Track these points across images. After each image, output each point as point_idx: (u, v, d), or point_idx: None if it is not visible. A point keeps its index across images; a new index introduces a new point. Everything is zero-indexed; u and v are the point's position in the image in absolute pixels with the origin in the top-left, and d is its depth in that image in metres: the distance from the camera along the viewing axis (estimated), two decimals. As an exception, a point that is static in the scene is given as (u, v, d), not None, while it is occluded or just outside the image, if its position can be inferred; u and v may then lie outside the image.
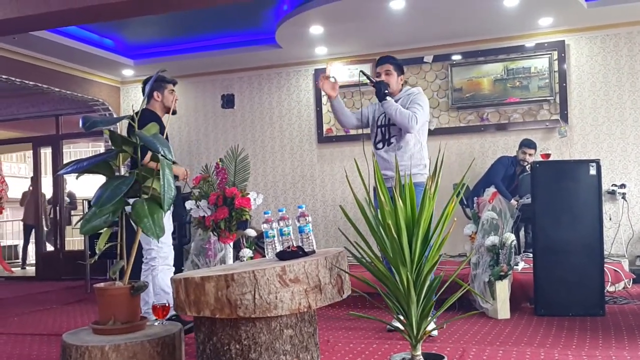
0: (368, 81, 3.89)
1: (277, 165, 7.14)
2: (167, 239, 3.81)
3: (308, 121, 7.04)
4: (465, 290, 2.40)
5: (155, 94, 4.05)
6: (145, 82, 4.10)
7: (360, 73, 3.92)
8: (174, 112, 4.12)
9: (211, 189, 5.32)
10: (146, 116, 3.68)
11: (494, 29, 6.00)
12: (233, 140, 6.98)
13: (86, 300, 5.76)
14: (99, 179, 2.67)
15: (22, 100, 8.31)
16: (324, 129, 6.94)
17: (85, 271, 6.57)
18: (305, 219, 2.64)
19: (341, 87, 6.75)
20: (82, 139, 9.13)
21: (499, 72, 6.29)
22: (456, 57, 6.45)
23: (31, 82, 6.50)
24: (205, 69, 7.17)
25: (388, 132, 3.86)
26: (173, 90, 4.13)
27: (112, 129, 5.79)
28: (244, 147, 6.12)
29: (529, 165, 5.43)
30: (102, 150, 9.86)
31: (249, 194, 5.28)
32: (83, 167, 2.59)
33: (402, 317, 2.30)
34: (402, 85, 3.98)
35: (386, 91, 3.80)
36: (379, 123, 3.95)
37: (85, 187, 7.89)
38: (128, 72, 7.29)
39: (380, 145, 3.91)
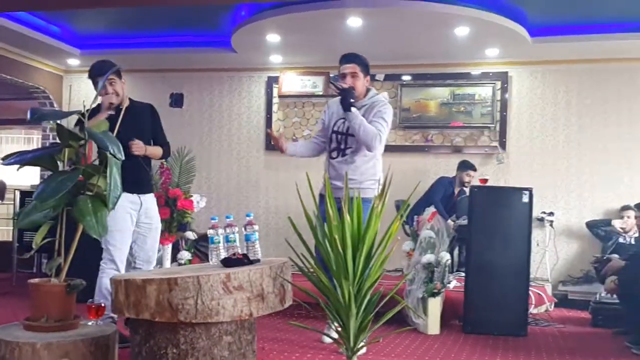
0: (334, 88, 3.61)
1: (223, 169, 7.08)
2: (115, 241, 3.52)
3: (257, 127, 7.02)
4: (395, 300, 2.46)
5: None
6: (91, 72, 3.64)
7: (331, 82, 3.71)
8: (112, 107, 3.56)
9: (155, 189, 5.23)
10: (94, 112, 3.48)
11: (444, 54, 6.18)
12: (180, 141, 6.81)
13: (11, 293, 5.52)
14: (35, 169, 2.59)
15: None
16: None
17: (12, 263, 6.30)
18: (253, 228, 2.64)
19: (292, 96, 6.83)
20: (16, 126, 8.76)
21: (446, 96, 6.48)
22: (406, 78, 6.59)
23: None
24: (155, 65, 7.04)
25: (345, 141, 3.64)
26: (111, 80, 3.60)
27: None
28: (190, 149, 6.04)
29: (468, 187, 5.65)
30: (36, 138, 9.49)
31: (192, 196, 5.22)
32: (27, 159, 2.51)
33: (340, 329, 2.33)
34: (368, 87, 3.71)
35: (352, 100, 3.53)
36: (335, 128, 3.69)
37: (16, 176, 7.57)
38: (73, 62, 7.06)
39: (334, 154, 3.68)
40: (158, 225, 3.76)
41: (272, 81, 6.94)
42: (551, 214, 6.14)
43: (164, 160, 5.44)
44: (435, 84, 6.50)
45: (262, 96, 7.01)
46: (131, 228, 3.59)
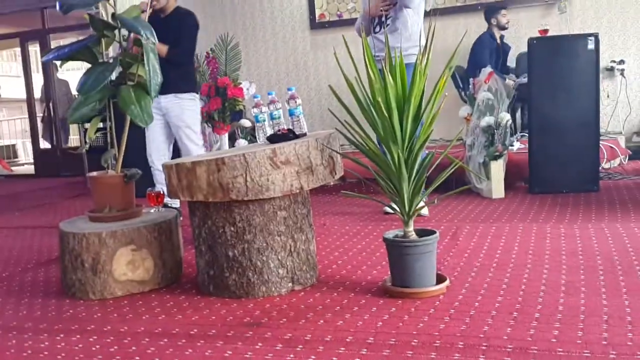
0: None
1: (270, 54, 6.95)
2: (147, 137, 3.81)
3: (299, 7, 6.76)
4: (459, 169, 2.39)
5: None
6: None
7: None
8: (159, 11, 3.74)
9: (203, 80, 5.21)
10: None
11: None
12: (223, 29, 6.73)
13: (85, 194, 5.83)
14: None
15: (9, -5, 7.96)
16: (317, 14, 6.68)
17: (83, 166, 6.59)
18: (295, 102, 2.58)
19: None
20: (69, 32, 8.83)
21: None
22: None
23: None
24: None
25: (385, 15, 3.72)
26: None
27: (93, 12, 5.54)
28: (234, 36, 5.93)
29: (508, 28, 5.54)
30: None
31: (241, 83, 5.18)
32: (64, 53, 2.50)
33: (394, 197, 2.31)
34: None
35: None
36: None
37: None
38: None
39: (377, 28, 3.77)
40: (184, 125, 3.82)
41: (311, -46, 6.57)
42: (622, 62, 5.73)
43: (209, 50, 5.37)
44: None
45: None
46: (158, 124, 3.76)
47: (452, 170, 2.27)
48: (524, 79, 4.89)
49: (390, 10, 3.67)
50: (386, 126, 2.19)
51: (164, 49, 3.67)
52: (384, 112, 2.15)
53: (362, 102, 2.27)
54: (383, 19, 3.72)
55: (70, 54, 2.53)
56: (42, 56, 2.64)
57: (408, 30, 3.63)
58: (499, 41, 5.65)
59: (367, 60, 2.25)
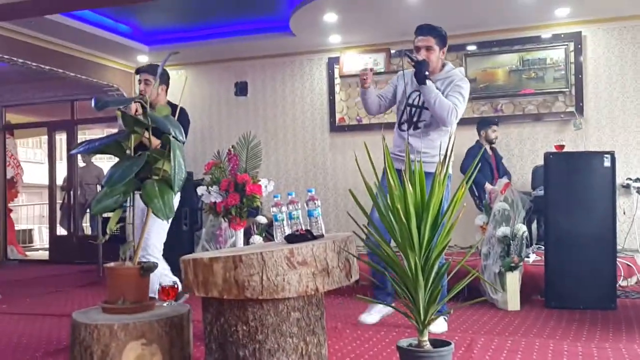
0: (409, 60, 3.49)
1: (289, 154, 7.14)
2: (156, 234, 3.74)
3: (321, 110, 7.03)
4: (474, 278, 2.39)
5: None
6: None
7: (405, 53, 3.54)
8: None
9: (223, 175, 5.33)
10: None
11: (510, 18, 5.94)
12: (245, 128, 6.95)
13: (98, 283, 5.81)
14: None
15: (38, 84, 8.35)
16: (337, 118, 6.93)
17: (98, 255, 6.62)
18: (315, 203, 2.64)
19: (354, 76, 6.77)
20: (97, 124, 9.19)
21: (514, 62, 6.24)
22: (471, 48, 6.39)
23: (47, 67, 6.55)
24: (219, 56, 7.18)
25: (419, 115, 3.54)
26: (141, 79, 3.91)
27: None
28: (256, 135, 6.12)
29: (495, 143, 5.72)
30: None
31: (260, 180, 5.28)
32: (95, 147, 2.60)
33: (409, 304, 2.29)
34: (444, 62, 3.59)
35: (426, 72, 3.43)
36: (410, 101, 3.57)
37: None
38: (142, 58, 7.30)
39: (405, 126, 3.57)
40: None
41: (332, 62, 6.92)
42: (637, 179, 5.80)
43: (231, 147, 5.55)
44: (502, 51, 6.27)
45: (324, 78, 7.01)
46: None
47: (469, 280, 2.27)
48: (540, 192, 4.95)
49: (425, 113, 3.51)
50: (404, 232, 2.21)
51: (156, 141, 3.78)
52: (403, 218, 2.19)
53: (381, 207, 2.31)
54: (415, 118, 3.55)
55: (100, 148, 2.63)
56: (71, 148, 2.76)
57: (440, 138, 3.48)
58: (489, 152, 5.78)
59: (387, 167, 2.31)
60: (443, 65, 3.59)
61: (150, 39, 6.95)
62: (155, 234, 3.85)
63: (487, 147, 5.77)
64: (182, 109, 3.86)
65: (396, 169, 2.32)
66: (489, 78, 6.33)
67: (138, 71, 3.94)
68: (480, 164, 5.60)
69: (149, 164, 2.69)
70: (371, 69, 3.64)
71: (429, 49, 3.51)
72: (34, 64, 6.42)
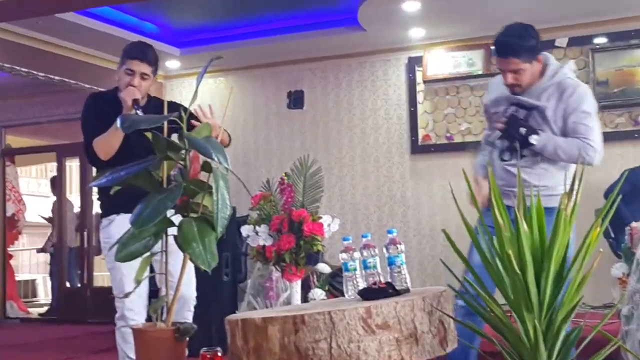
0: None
1: (358, 182, 7.16)
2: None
3: (399, 125, 7.04)
4: (614, 348, 2.31)
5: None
6: None
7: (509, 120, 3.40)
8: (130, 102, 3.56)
9: (274, 211, 5.39)
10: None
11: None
12: (302, 150, 7.06)
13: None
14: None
15: (45, 99, 8.62)
16: (420, 136, 6.92)
17: (117, 312, 6.78)
18: (397, 248, 2.63)
19: (441, 80, 6.78)
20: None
21: (658, 59, 6.10)
22: (600, 40, 6.30)
23: (57, 77, 6.78)
24: (267, 59, 7.32)
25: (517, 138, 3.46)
26: (129, 69, 3.62)
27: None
28: (315, 158, 6.16)
29: None
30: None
31: (321, 217, 5.31)
32: (120, 177, 2.69)
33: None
34: (544, 59, 3.46)
35: (524, 129, 3.34)
36: (505, 120, 3.48)
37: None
38: (173, 64, 7.52)
39: (506, 156, 3.53)
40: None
41: (413, 63, 6.94)
42: None
43: (284, 175, 5.61)
44: (643, 44, 6.15)
45: (403, 84, 7.04)
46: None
47: (608, 352, 2.20)
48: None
49: (532, 136, 3.40)
50: (518, 287, 2.17)
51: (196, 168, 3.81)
52: (516, 268, 2.15)
53: (486, 252, 2.28)
54: (515, 143, 3.47)
55: (126, 179, 2.71)
56: (88, 178, 2.84)
57: (557, 164, 3.42)
58: None
59: (493, 199, 2.29)
60: (543, 69, 3.45)
61: (182, 40, 7.16)
62: (194, 286, 3.94)
63: None
64: (175, 105, 3.66)
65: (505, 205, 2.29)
66: (626, 80, 6.22)
67: (129, 54, 3.66)
68: (628, 192, 5.46)
69: (186, 198, 2.76)
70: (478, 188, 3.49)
71: (516, 71, 3.38)
72: (40, 73, 6.64)
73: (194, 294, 3.96)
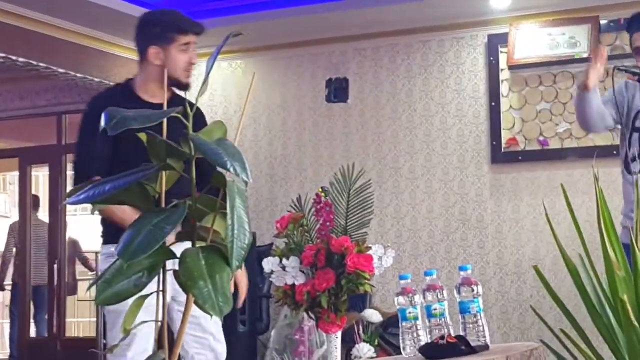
0: (632, 76, 3.68)
1: (420, 201, 7.15)
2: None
3: (475, 125, 7.03)
4: None
5: (151, 50, 3.88)
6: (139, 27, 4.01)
7: (620, 69, 3.63)
8: (186, 87, 3.87)
9: (306, 239, 5.41)
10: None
11: None
12: (345, 157, 7.08)
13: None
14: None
15: (7, 89, 8.70)
16: (503, 140, 6.90)
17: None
18: (472, 290, 2.63)
19: (534, 65, 6.74)
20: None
21: None
22: None
23: (21, 59, 6.80)
24: (300, 36, 7.34)
25: None
26: (187, 44, 3.87)
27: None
28: (363, 169, 6.14)
29: None
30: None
31: (370, 247, 5.31)
32: (104, 193, 2.73)
33: None
34: None
35: None
36: (638, 124, 3.76)
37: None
38: (175, 41, 7.57)
39: (636, 166, 3.73)
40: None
41: (496, 42, 6.95)
42: None
43: (321, 190, 5.64)
44: None
45: (481, 70, 7.05)
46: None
47: None
48: None
49: None
50: (635, 343, 2.17)
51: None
52: (632, 319, 2.15)
53: (592, 297, 2.28)
54: None
55: (112, 194, 2.76)
56: (62, 193, 2.89)
57: None
58: None
59: (602, 224, 2.29)
60: None
61: (188, 9, 7.22)
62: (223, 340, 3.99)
63: None
64: (179, 98, 3.84)
65: (623, 243, 2.29)
66: None
67: (181, 27, 3.90)
68: None
69: (191, 221, 2.80)
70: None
71: None
72: (0, 54, 6.67)
73: (225, 351, 4.01)
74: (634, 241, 2.24)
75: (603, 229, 2.29)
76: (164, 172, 2.88)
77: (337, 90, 7.29)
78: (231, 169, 2.72)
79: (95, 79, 7.44)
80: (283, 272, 4.59)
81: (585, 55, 6.53)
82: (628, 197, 3.70)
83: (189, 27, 3.87)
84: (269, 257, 4.69)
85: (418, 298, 2.76)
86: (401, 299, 2.79)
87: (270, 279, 4.65)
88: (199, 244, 2.78)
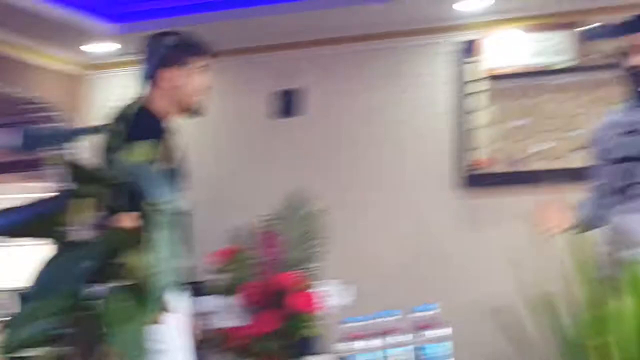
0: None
1: (379, 231, 7.14)
2: None
3: (442, 144, 7.04)
4: None
5: (164, 73, 4.07)
6: (150, 48, 4.16)
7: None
8: (198, 113, 4.20)
9: (246, 274, 5.37)
10: (142, 123, 3.81)
11: None
12: (295, 180, 7.04)
13: None
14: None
15: None
16: (471, 161, 6.91)
17: None
18: (436, 333, 2.63)
19: (511, 76, 6.74)
20: (10, 174, 9.47)
21: None
22: None
23: None
24: (245, 41, 7.33)
25: (630, 174, 3.75)
26: (204, 67, 4.16)
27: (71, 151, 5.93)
28: (314, 194, 6.10)
29: None
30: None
31: (323, 284, 5.28)
32: (14, 223, 2.67)
33: None
34: None
35: None
36: (619, 153, 3.80)
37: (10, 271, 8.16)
38: (102, 48, 7.52)
39: (619, 198, 3.79)
40: None
41: (467, 50, 6.97)
42: None
43: (266, 218, 5.60)
44: None
45: (447, 82, 7.08)
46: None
47: None
48: None
49: None
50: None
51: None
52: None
53: (563, 337, 2.28)
54: (637, 178, 3.73)
55: (23, 225, 2.70)
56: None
57: None
58: None
59: (578, 259, 2.29)
60: None
61: (119, 11, 7.15)
62: None
63: None
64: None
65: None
66: None
67: (199, 50, 4.19)
68: None
69: (111, 257, 2.74)
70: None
71: None
72: None
73: None
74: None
75: (578, 265, 2.29)
76: (84, 200, 2.83)
77: (288, 104, 7.28)
78: (157, 199, 2.69)
79: (8, 92, 7.40)
80: (220, 314, 4.56)
81: (570, 64, 6.58)
82: (610, 232, 3.74)
83: (204, 49, 4.14)
84: (209, 296, 4.66)
85: (375, 342, 2.74)
86: (355, 344, 2.77)
87: (205, 322, 4.62)
88: (114, 284, 2.73)
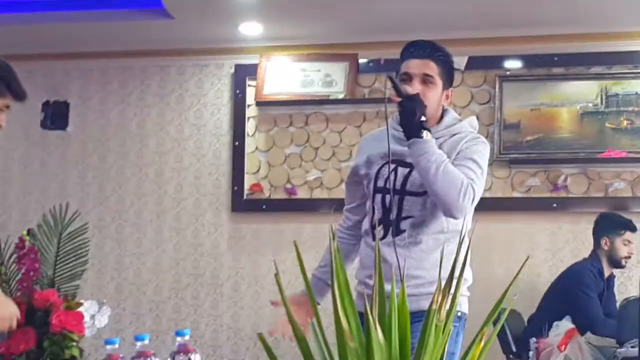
0: (394, 92, 3.63)
1: (147, 251, 7.09)
2: None
3: (215, 167, 7.06)
4: None
5: None
6: None
7: (389, 79, 3.69)
8: None
9: (5, 291, 5.22)
10: None
11: (586, 16, 6.16)
12: (60, 195, 6.92)
13: None
14: None
15: None
16: (247, 185, 6.95)
17: None
18: (188, 358, 2.62)
19: (284, 103, 6.81)
20: None
21: (592, 98, 6.46)
22: (512, 64, 6.64)
23: None
24: (10, 48, 7.14)
25: (399, 207, 3.69)
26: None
27: None
28: (79, 210, 5.98)
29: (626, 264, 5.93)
30: None
31: (82, 304, 5.20)
32: None
33: None
34: (445, 107, 3.82)
35: (423, 119, 3.58)
36: (380, 183, 3.75)
37: None
38: None
39: (381, 231, 3.71)
40: None
41: (244, 73, 7.04)
42: None
43: (25, 233, 5.48)
44: (570, 76, 6.51)
45: (225, 104, 7.13)
46: None
47: None
48: (632, 349, 5.07)
49: (410, 202, 3.68)
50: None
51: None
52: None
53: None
54: (393, 214, 3.69)
55: None
56: None
57: (440, 247, 3.59)
58: (606, 276, 6.01)
59: (337, 288, 2.33)
60: (442, 114, 3.80)
61: None
62: None
63: (607, 272, 6.00)
64: None
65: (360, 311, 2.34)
66: (545, 124, 6.51)
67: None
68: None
69: None
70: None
71: (427, 80, 3.70)
72: None
73: None
74: (369, 310, 2.29)
75: (337, 295, 2.33)
76: None
77: (55, 116, 7.14)
78: None
79: None
80: (-27, 330, 4.41)
81: (341, 96, 6.71)
82: (367, 262, 3.76)
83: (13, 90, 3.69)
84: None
85: (123, 366, 2.71)
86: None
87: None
88: None
